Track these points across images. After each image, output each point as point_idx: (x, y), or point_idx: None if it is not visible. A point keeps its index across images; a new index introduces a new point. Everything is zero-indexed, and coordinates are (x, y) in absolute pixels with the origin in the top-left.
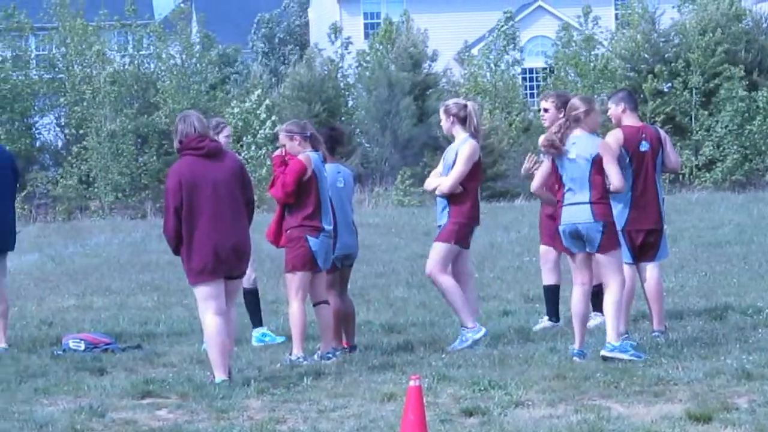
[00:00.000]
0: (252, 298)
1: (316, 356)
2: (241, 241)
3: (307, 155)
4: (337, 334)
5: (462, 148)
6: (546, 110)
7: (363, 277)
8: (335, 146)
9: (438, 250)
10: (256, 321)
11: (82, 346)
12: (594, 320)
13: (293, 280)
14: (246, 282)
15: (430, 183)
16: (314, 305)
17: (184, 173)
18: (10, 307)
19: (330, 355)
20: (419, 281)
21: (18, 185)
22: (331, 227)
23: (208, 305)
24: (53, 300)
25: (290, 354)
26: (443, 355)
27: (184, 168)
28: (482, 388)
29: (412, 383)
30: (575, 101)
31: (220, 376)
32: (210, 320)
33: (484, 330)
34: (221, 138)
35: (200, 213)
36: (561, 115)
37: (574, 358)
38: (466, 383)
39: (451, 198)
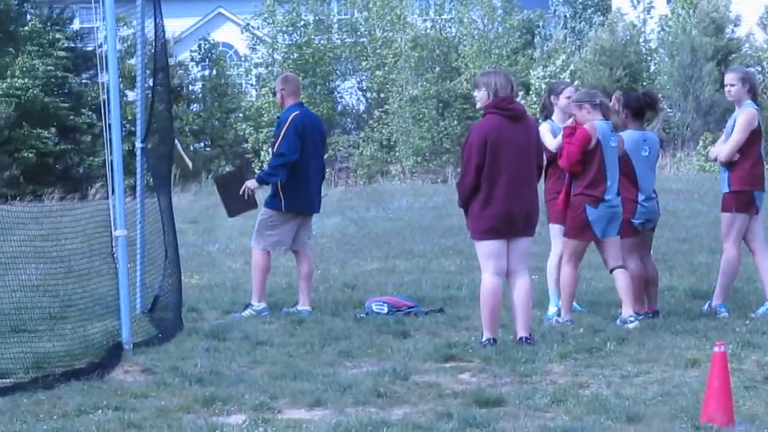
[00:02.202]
0: None
1: (618, 321)
2: (532, 205)
3: (593, 124)
4: (638, 299)
5: (740, 116)
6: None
7: (666, 243)
8: (646, 111)
9: (723, 220)
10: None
11: (386, 309)
12: None
13: (567, 245)
14: None
15: (712, 151)
16: (610, 271)
17: (490, 132)
18: (314, 270)
19: (632, 319)
20: (722, 247)
21: (324, 150)
22: (614, 197)
23: (487, 264)
24: (356, 263)
25: (558, 316)
26: (747, 321)
27: (490, 127)
28: None
29: (716, 349)
30: None
31: (487, 335)
32: (487, 279)
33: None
34: (562, 99)
35: (499, 174)
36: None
37: None
38: None
39: (729, 166)
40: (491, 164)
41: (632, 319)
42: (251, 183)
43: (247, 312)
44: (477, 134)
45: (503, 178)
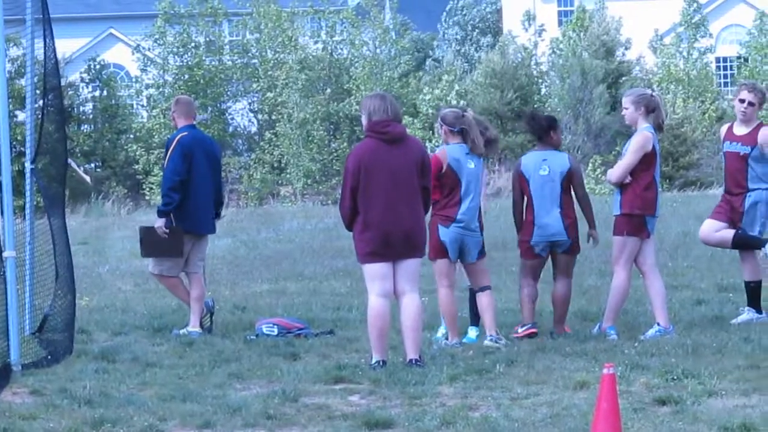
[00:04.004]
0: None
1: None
2: (413, 228)
3: (444, 150)
4: (531, 318)
5: (633, 139)
6: (751, 104)
7: None
8: (544, 134)
9: (615, 243)
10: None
11: (276, 331)
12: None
13: (434, 267)
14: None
15: (608, 173)
16: (474, 292)
17: (364, 156)
18: (205, 292)
19: (491, 338)
20: (612, 270)
21: (218, 172)
22: (470, 220)
23: (373, 286)
24: (246, 285)
25: (446, 339)
26: (636, 344)
27: (364, 150)
28: (675, 377)
29: (605, 371)
30: None
31: (376, 357)
32: (373, 301)
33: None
34: None
35: (374, 197)
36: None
37: None
38: (659, 372)
39: (621, 188)
40: (365, 187)
41: (491, 338)
42: (157, 223)
43: (183, 331)
44: (352, 158)
45: (379, 201)
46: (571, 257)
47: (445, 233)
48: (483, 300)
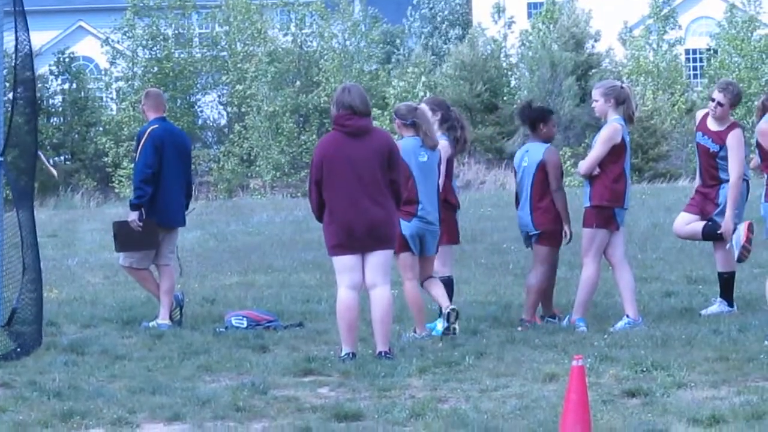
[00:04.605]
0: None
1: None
2: (378, 221)
3: (397, 144)
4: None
5: (602, 130)
6: (720, 104)
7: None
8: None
9: (584, 235)
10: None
11: (245, 324)
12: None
13: (398, 262)
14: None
15: (579, 164)
16: (421, 283)
17: (327, 149)
18: (175, 285)
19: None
20: (582, 262)
21: (188, 165)
22: (429, 213)
23: (341, 278)
24: (215, 277)
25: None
26: (605, 336)
27: (327, 143)
28: (644, 369)
29: (574, 363)
30: None
31: (345, 349)
32: (341, 293)
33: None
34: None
35: (336, 190)
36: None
37: None
38: (629, 364)
39: (591, 180)
40: (328, 180)
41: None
42: (130, 216)
43: (152, 323)
44: (316, 151)
45: (341, 194)
46: (542, 247)
47: (406, 227)
48: (433, 289)
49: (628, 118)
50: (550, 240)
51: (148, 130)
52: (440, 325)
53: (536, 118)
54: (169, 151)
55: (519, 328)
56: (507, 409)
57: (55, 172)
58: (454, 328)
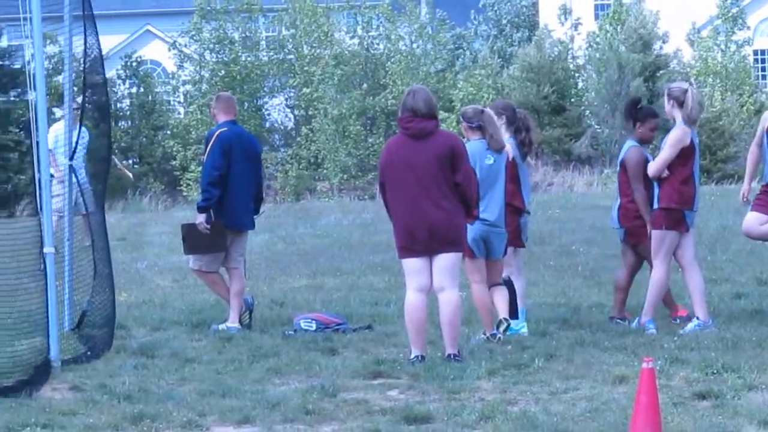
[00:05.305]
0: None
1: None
2: (438, 223)
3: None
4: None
5: (671, 133)
6: None
7: (594, 259)
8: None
9: (653, 237)
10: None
11: (314, 326)
12: None
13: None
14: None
15: (648, 166)
16: (489, 287)
17: (390, 150)
18: (245, 288)
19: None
20: (646, 264)
21: (258, 168)
22: (492, 215)
23: (409, 281)
24: (284, 280)
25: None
26: (675, 338)
27: (391, 146)
28: (715, 371)
29: (644, 365)
30: None
31: (415, 351)
32: (409, 296)
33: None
34: None
35: (398, 192)
36: None
37: None
38: (699, 366)
39: (659, 182)
40: (392, 182)
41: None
42: (198, 219)
43: (222, 326)
44: (382, 154)
45: (402, 196)
46: (628, 244)
47: (469, 230)
48: (496, 296)
49: (688, 120)
50: (634, 237)
51: (217, 133)
52: (513, 324)
53: (635, 118)
54: (238, 154)
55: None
56: (577, 412)
57: (131, 175)
58: (500, 338)
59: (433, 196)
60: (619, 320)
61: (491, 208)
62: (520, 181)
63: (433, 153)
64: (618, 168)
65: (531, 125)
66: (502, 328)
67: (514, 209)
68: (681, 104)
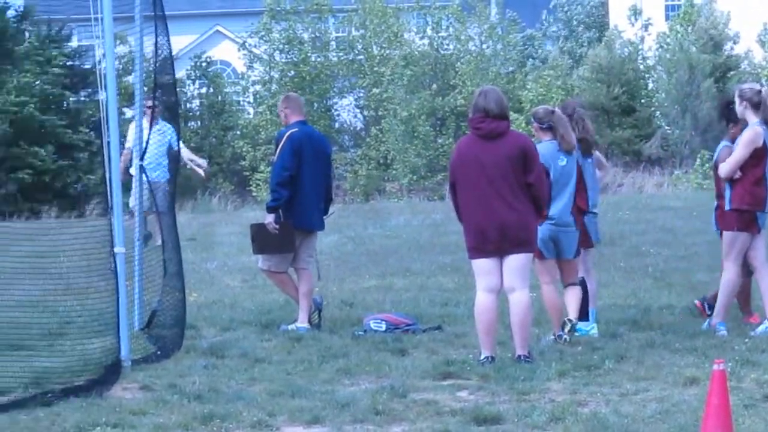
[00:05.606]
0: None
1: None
2: (509, 223)
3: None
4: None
5: (744, 134)
6: None
7: (664, 261)
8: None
9: (725, 238)
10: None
11: (383, 327)
12: None
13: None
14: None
15: (720, 167)
16: (564, 287)
17: (460, 152)
18: (314, 288)
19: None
20: (722, 265)
21: (328, 169)
22: (561, 216)
23: (479, 281)
24: (354, 281)
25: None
26: (746, 340)
27: (461, 146)
28: None
29: (715, 367)
30: None
31: (484, 352)
32: (479, 296)
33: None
34: None
35: (469, 192)
36: None
37: None
38: None
39: (731, 183)
40: (462, 183)
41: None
42: (267, 219)
43: (291, 327)
44: (453, 154)
45: (473, 196)
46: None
47: (538, 230)
48: (569, 296)
49: (766, 122)
50: None
51: (288, 133)
52: (582, 325)
53: (728, 118)
54: (308, 155)
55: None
56: (647, 413)
57: (203, 171)
58: (565, 339)
59: (505, 196)
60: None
61: (562, 208)
62: (585, 181)
63: (505, 153)
64: (712, 170)
65: (587, 124)
66: (567, 329)
67: (578, 209)
68: (754, 105)
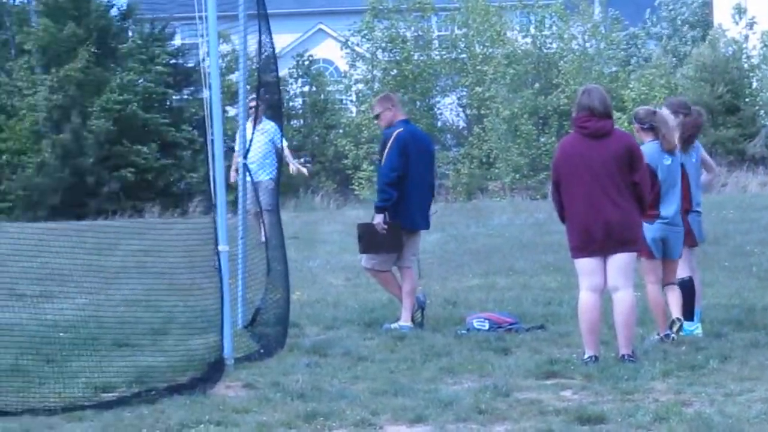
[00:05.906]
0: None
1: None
2: (615, 222)
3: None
4: None
5: None
6: None
7: None
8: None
9: None
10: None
11: (486, 326)
12: None
13: (639, 264)
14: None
15: None
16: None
17: (564, 150)
18: (417, 287)
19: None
20: None
21: (432, 168)
22: (671, 215)
23: (582, 281)
24: (457, 279)
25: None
26: None
27: (566, 145)
28: None
29: None
30: None
31: (588, 352)
32: (582, 295)
33: None
34: None
35: (574, 191)
36: None
37: None
38: None
39: None
40: (567, 181)
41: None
42: (375, 219)
43: (394, 325)
44: (556, 153)
45: (578, 195)
46: None
47: (649, 230)
48: (669, 296)
49: None
50: None
51: (395, 134)
52: (687, 325)
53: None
54: (414, 155)
55: None
56: (752, 414)
57: (306, 171)
58: (673, 338)
59: (611, 195)
60: None
61: (671, 207)
62: (688, 179)
63: (611, 152)
64: None
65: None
66: (675, 328)
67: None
68: None
